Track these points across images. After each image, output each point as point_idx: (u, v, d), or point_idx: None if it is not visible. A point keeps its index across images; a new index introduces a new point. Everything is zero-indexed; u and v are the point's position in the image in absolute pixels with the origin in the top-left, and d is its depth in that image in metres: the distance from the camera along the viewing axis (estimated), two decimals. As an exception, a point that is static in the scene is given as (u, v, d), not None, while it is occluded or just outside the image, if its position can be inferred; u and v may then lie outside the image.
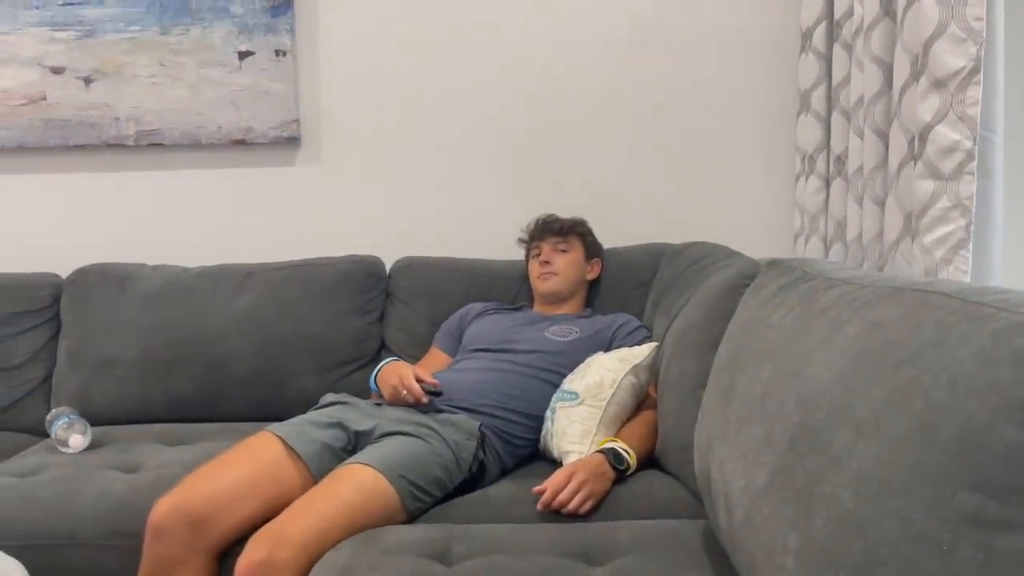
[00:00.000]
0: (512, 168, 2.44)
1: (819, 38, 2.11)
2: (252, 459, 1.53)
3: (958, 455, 0.66)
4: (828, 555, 0.75)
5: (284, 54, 2.36)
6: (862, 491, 0.73)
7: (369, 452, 1.52)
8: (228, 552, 1.44)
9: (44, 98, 2.38)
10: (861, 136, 1.87)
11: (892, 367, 0.78)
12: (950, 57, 1.51)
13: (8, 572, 1.23)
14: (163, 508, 1.42)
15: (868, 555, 0.70)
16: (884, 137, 1.78)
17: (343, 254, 2.30)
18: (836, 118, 2.03)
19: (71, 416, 1.91)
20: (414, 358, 2.08)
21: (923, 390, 0.72)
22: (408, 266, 2.29)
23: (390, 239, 2.40)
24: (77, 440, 1.85)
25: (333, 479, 1.45)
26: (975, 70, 1.50)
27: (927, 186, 1.55)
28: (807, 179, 2.16)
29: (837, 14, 2.01)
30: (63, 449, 1.86)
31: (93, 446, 1.88)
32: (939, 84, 1.52)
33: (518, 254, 2.25)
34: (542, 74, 2.41)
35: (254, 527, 1.40)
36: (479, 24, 2.40)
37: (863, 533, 0.71)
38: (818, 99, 2.12)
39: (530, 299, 2.20)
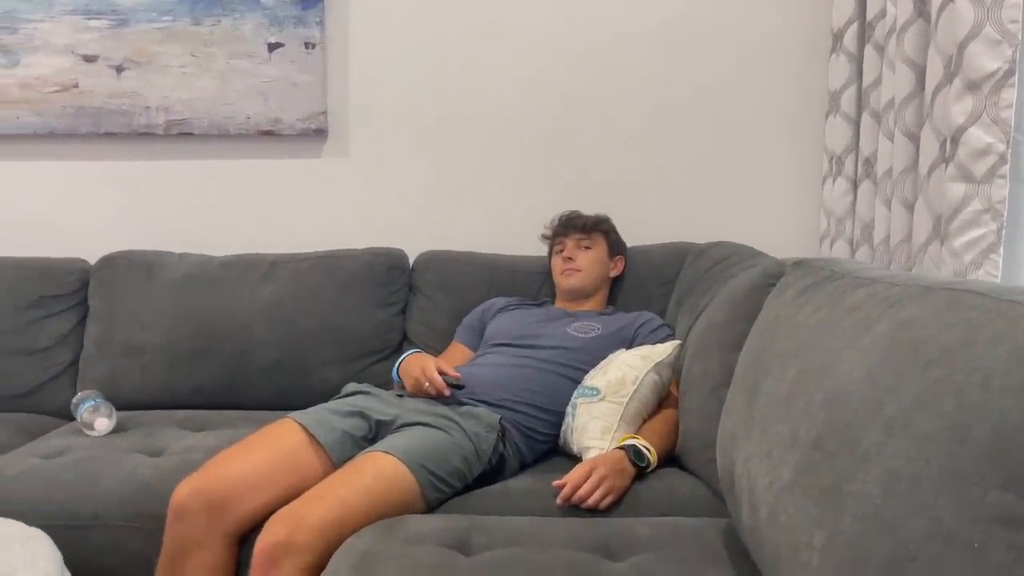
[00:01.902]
0: (537, 164, 2.44)
1: (850, 39, 2.09)
2: (273, 445, 1.54)
3: (990, 454, 0.65)
4: (855, 552, 0.75)
5: (313, 46, 2.38)
6: (892, 489, 0.72)
7: (390, 441, 1.52)
8: (248, 536, 1.45)
9: (76, 86, 2.41)
10: (891, 138, 1.85)
11: (923, 366, 0.77)
12: (985, 59, 1.50)
13: (33, 537, 1.25)
14: (184, 491, 1.44)
15: (896, 553, 0.70)
16: (915, 139, 1.76)
17: (367, 246, 2.32)
18: (866, 119, 2.02)
19: (97, 400, 1.93)
20: (436, 351, 2.09)
21: (955, 389, 0.71)
22: (431, 259, 2.30)
23: (414, 232, 2.41)
24: (103, 423, 1.88)
25: (354, 466, 1.46)
26: (1010, 72, 1.49)
27: (958, 189, 1.54)
28: (835, 181, 2.15)
29: (869, 15, 1.99)
30: (88, 432, 1.88)
31: (118, 430, 1.91)
32: (973, 86, 1.51)
33: (541, 250, 2.25)
34: (569, 71, 2.41)
35: (273, 512, 1.40)
36: (508, 20, 2.40)
37: (892, 531, 0.71)
38: (848, 100, 2.11)
39: (552, 295, 2.20)
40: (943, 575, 0.66)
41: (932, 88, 1.64)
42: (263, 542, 1.30)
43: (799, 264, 1.29)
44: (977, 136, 1.51)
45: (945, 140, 1.60)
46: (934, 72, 1.64)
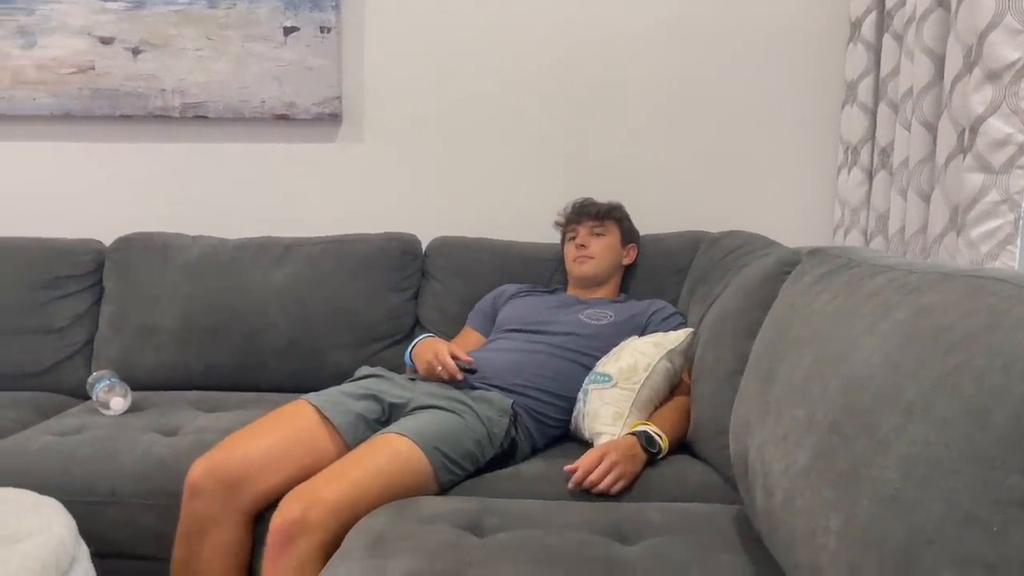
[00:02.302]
0: (552, 151, 2.44)
1: (868, 28, 2.08)
2: (287, 426, 1.55)
3: (1011, 438, 0.65)
4: (871, 535, 0.75)
5: (328, 31, 2.38)
6: (910, 473, 0.73)
7: (404, 423, 1.53)
8: (263, 515, 1.46)
9: (93, 67, 2.42)
10: (908, 128, 1.84)
11: (943, 351, 0.77)
12: (1005, 49, 1.49)
13: (47, 505, 1.27)
14: (199, 470, 1.46)
15: (914, 535, 0.70)
16: (932, 129, 1.75)
17: (380, 231, 2.32)
18: (883, 109, 2.01)
19: (112, 379, 1.94)
20: (447, 336, 2.09)
21: (976, 373, 0.71)
22: (444, 245, 2.31)
23: (427, 218, 2.42)
24: (118, 403, 1.89)
25: (368, 447, 1.47)
26: (1031, 62, 1.47)
27: (976, 179, 1.53)
28: (850, 171, 2.14)
29: (888, 4, 1.98)
30: (104, 411, 1.90)
31: (132, 410, 1.92)
32: (993, 76, 1.50)
33: (554, 237, 2.25)
34: (584, 60, 2.40)
35: (287, 492, 1.42)
36: (525, 4, 2.39)
37: (910, 514, 0.71)
38: (865, 90, 2.10)
39: (565, 282, 2.20)
40: (961, 557, 0.66)
41: (951, 78, 1.63)
42: (278, 520, 1.32)
43: (815, 252, 1.29)
44: (996, 126, 1.50)
45: (963, 130, 1.59)
46: (953, 62, 1.63)
